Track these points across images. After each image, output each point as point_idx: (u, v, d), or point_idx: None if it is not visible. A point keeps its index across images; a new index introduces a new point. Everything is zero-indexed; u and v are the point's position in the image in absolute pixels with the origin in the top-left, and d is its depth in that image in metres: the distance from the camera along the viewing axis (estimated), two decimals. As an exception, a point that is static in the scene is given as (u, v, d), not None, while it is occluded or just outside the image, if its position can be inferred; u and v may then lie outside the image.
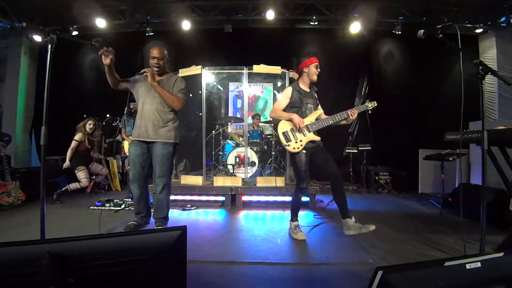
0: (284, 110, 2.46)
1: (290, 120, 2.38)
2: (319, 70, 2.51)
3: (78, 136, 3.99)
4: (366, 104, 2.51)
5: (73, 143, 3.94)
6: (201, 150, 3.99)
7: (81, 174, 3.95)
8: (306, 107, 2.48)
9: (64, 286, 0.83)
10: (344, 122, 2.48)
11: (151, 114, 2.46)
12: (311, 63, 2.47)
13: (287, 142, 2.37)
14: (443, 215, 3.38)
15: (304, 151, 2.36)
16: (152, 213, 2.72)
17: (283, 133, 2.39)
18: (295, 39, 6.01)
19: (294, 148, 2.36)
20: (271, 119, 2.43)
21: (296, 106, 2.46)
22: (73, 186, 3.89)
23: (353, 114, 2.41)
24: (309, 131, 2.40)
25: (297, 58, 2.59)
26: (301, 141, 2.36)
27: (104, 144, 4.64)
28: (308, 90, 2.55)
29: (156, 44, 2.62)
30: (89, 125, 4.12)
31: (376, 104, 2.52)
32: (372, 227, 2.32)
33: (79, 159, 3.98)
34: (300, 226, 2.57)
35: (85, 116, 4.22)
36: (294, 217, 2.56)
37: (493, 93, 5.25)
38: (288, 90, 2.48)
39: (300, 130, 2.37)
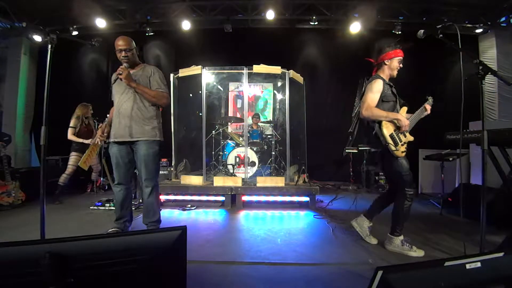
0: (376, 106, 2.16)
1: (394, 121, 2.11)
2: (401, 65, 2.24)
3: (73, 122, 3.96)
4: (429, 100, 2.31)
5: (70, 130, 3.91)
6: (201, 150, 3.99)
7: (71, 159, 3.91)
8: (398, 102, 2.23)
9: (64, 286, 0.83)
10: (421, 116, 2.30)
11: (131, 112, 2.26)
12: (395, 56, 2.19)
13: (396, 146, 2.08)
14: (443, 215, 3.38)
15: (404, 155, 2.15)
16: (142, 218, 2.49)
17: (391, 136, 2.09)
18: (295, 39, 6.00)
19: (402, 152, 2.10)
20: (367, 117, 2.16)
21: (389, 100, 2.19)
22: (62, 179, 3.83)
23: (428, 108, 2.24)
24: (407, 132, 2.18)
25: (379, 47, 2.37)
26: (405, 143, 2.14)
27: (105, 144, 4.63)
28: None
29: (121, 35, 2.35)
30: (91, 110, 4.11)
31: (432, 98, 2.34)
32: (374, 241, 2.33)
33: (78, 144, 3.96)
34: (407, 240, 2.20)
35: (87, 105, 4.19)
36: (398, 230, 2.16)
37: (493, 93, 5.25)
38: (379, 83, 2.16)
39: (402, 131, 2.13)
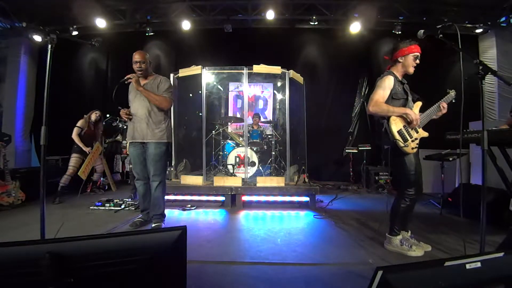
0: (385, 103, 2.09)
1: (403, 115, 2.04)
2: (418, 61, 2.16)
3: (80, 123, 4.08)
4: (450, 93, 2.22)
5: (75, 129, 4.02)
6: (201, 150, 3.99)
7: (72, 160, 3.97)
8: (409, 99, 2.15)
9: (64, 286, 0.83)
10: (434, 116, 2.21)
11: (143, 116, 2.59)
12: (410, 52, 2.11)
13: (405, 143, 2.03)
14: (443, 215, 3.37)
15: (414, 152, 2.10)
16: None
17: (399, 132, 2.04)
18: (295, 39, 6.01)
19: (412, 149, 2.06)
20: (374, 112, 2.10)
21: (400, 98, 2.12)
22: (63, 180, 3.88)
23: (444, 107, 2.16)
24: (419, 127, 2.14)
25: (396, 43, 2.22)
26: (416, 139, 2.08)
27: (104, 144, 4.64)
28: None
29: (138, 49, 2.66)
30: (95, 114, 4.25)
31: (455, 92, 2.24)
32: (427, 248, 2.17)
33: (78, 146, 4.01)
34: (411, 237, 2.19)
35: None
36: (396, 229, 2.15)
37: (493, 93, 5.25)
38: (389, 80, 2.09)
39: (413, 127, 2.07)
